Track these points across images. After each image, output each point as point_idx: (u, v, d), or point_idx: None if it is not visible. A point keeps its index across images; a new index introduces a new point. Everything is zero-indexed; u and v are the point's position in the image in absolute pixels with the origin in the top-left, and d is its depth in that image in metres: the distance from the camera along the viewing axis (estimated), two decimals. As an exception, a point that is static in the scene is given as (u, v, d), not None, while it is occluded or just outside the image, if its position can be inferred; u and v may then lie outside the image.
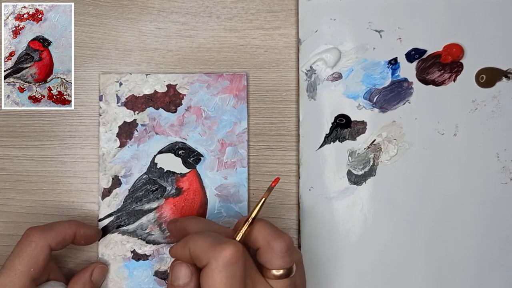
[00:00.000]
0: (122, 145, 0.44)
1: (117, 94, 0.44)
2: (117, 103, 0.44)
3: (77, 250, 0.44)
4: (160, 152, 0.44)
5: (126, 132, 0.44)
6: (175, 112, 0.44)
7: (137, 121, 0.44)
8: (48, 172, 0.44)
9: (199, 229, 0.37)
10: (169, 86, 0.44)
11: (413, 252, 0.44)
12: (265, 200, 0.36)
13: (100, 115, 0.44)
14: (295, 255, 0.36)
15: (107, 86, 0.44)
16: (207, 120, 0.44)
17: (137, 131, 0.44)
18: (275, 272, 0.35)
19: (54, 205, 0.44)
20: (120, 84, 0.44)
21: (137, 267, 0.43)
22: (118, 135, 0.44)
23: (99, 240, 0.43)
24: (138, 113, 0.44)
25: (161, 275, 0.43)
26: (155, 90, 0.44)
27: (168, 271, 0.42)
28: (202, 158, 0.44)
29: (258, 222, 0.36)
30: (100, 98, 0.44)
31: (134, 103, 0.44)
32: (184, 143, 0.44)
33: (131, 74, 0.44)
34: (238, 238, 0.35)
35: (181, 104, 0.44)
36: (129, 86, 0.44)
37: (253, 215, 0.35)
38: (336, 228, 0.44)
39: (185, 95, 0.44)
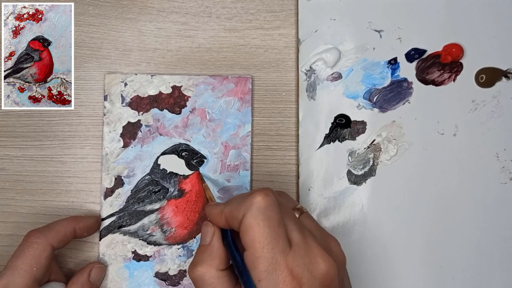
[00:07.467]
0: (125, 145, 0.44)
1: (122, 94, 0.44)
2: (122, 103, 0.44)
3: (77, 250, 0.43)
4: (164, 153, 0.44)
5: (130, 132, 0.44)
6: (179, 113, 0.44)
7: (141, 122, 0.44)
8: (48, 172, 0.44)
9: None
10: (174, 87, 0.44)
11: (413, 251, 0.44)
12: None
13: (104, 115, 0.44)
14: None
15: (112, 86, 0.44)
16: (211, 122, 0.44)
17: (141, 131, 0.44)
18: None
19: (54, 205, 0.44)
20: (125, 84, 0.44)
21: (137, 268, 0.43)
22: (122, 135, 0.44)
23: (100, 240, 0.43)
24: (142, 114, 0.44)
25: (162, 276, 0.43)
26: (159, 91, 0.44)
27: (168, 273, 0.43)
28: (205, 160, 0.44)
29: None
30: (105, 98, 0.44)
31: (139, 103, 0.44)
32: (188, 145, 0.44)
33: (136, 74, 0.44)
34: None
35: (186, 106, 0.44)
36: (134, 86, 0.44)
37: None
38: (336, 228, 0.44)
39: (189, 97, 0.44)
